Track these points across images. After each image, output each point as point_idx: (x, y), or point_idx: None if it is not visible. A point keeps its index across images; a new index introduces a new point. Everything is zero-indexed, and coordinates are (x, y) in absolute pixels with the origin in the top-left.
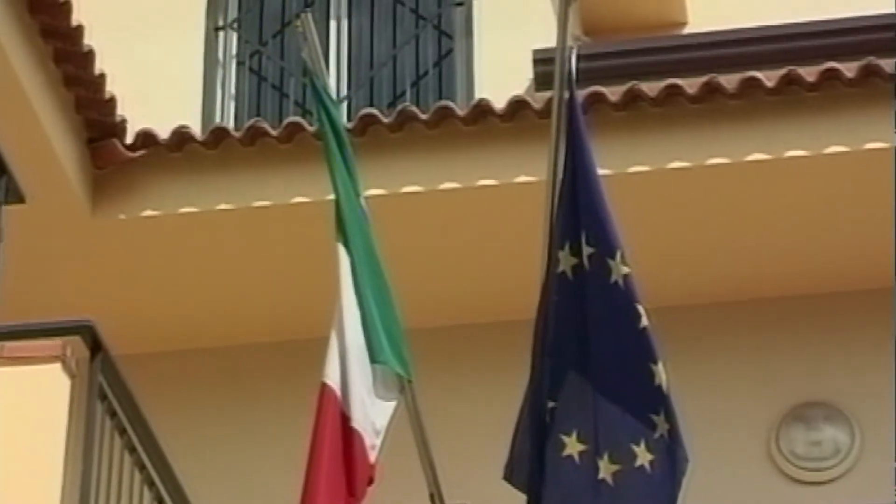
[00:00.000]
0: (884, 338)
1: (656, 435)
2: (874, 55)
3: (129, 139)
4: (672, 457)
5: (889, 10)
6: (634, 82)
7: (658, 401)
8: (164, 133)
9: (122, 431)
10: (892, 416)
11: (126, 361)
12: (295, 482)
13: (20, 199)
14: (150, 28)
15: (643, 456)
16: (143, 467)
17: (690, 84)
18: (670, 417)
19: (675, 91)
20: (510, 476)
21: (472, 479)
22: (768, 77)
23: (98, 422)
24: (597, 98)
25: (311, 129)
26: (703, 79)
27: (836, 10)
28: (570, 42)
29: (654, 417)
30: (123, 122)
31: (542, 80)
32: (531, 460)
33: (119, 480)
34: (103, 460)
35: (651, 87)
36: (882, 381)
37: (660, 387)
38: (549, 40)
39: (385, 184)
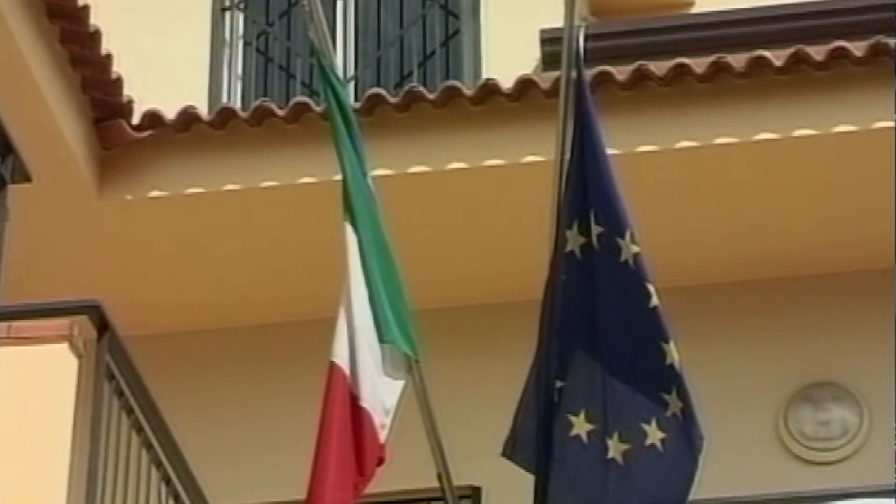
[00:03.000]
0: (892, 317)
1: (668, 413)
2: (882, 34)
3: (135, 119)
4: (687, 435)
5: None
6: (642, 62)
7: (670, 379)
8: (170, 113)
9: (130, 411)
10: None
11: (134, 342)
12: (304, 461)
13: (27, 179)
14: (157, 8)
15: (654, 434)
16: (150, 447)
17: (698, 63)
18: (683, 396)
19: (682, 70)
20: (511, 453)
21: (479, 460)
22: (776, 56)
23: (105, 402)
24: (604, 77)
25: (318, 109)
26: (711, 58)
27: None
28: (577, 22)
29: (666, 396)
30: (130, 102)
31: (549, 59)
32: (538, 440)
33: (127, 460)
34: (111, 440)
35: (659, 67)
36: (890, 361)
37: (672, 365)
38: (556, 20)
39: (392, 164)
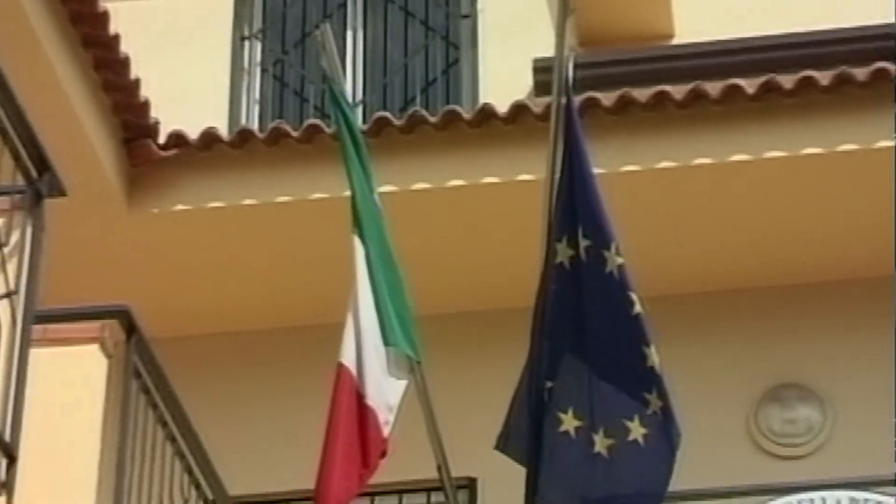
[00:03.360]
0: (853, 324)
1: (649, 412)
2: (847, 65)
3: (161, 139)
4: (666, 432)
5: (859, 23)
6: (626, 89)
7: (651, 380)
8: (193, 134)
9: (155, 407)
10: (861, 395)
11: (159, 343)
12: (313, 454)
13: (62, 194)
14: (182, 37)
15: (636, 430)
16: (174, 440)
17: (678, 91)
18: (663, 395)
19: (663, 97)
20: (504, 447)
21: (475, 453)
22: (749, 84)
23: (133, 398)
24: (592, 103)
25: (329, 130)
26: (689, 86)
27: (812, 23)
28: (567, 52)
29: (647, 395)
30: (157, 123)
31: (541, 86)
32: (530, 436)
33: (152, 452)
34: (137, 433)
35: (641, 94)
36: (851, 363)
37: (652, 367)
38: (547, 50)
39: (397, 181)
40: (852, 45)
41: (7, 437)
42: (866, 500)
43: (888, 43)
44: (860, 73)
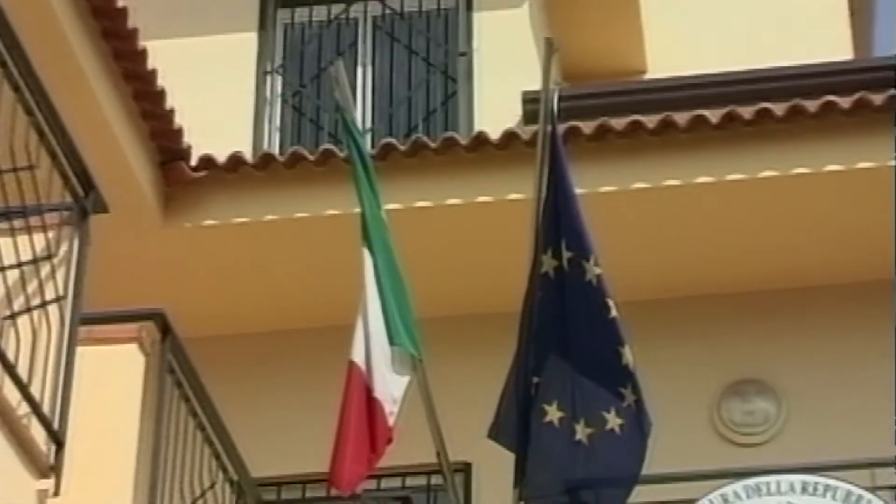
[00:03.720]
0: (806, 326)
1: (624, 404)
2: (800, 97)
3: (193, 162)
4: (639, 422)
5: (811, 60)
6: (604, 118)
7: (625, 377)
8: (221, 157)
9: (187, 399)
10: (813, 391)
11: (191, 343)
12: (327, 440)
13: (104, 210)
14: (211, 72)
15: (613, 421)
16: (203, 428)
17: (650, 120)
18: (636, 390)
19: (637, 126)
20: (495, 436)
21: (471, 441)
22: (713, 115)
23: (167, 392)
24: (574, 131)
25: (341, 154)
26: (660, 116)
27: (768, 60)
28: (552, 86)
29: (622, 390)
30: (188, 148)
31: (529, 116)
32: (518, 426)
33: (184, 439)
34: (171, 423)
35: (618, 123)
36: (804, 361)
37: (627, 365)
38: (535, 84)
39: (401, 200)
40: (805, 80)
41: (56, 425)
42: (816, 482)
43: (838, 78)
44: (811, 104)
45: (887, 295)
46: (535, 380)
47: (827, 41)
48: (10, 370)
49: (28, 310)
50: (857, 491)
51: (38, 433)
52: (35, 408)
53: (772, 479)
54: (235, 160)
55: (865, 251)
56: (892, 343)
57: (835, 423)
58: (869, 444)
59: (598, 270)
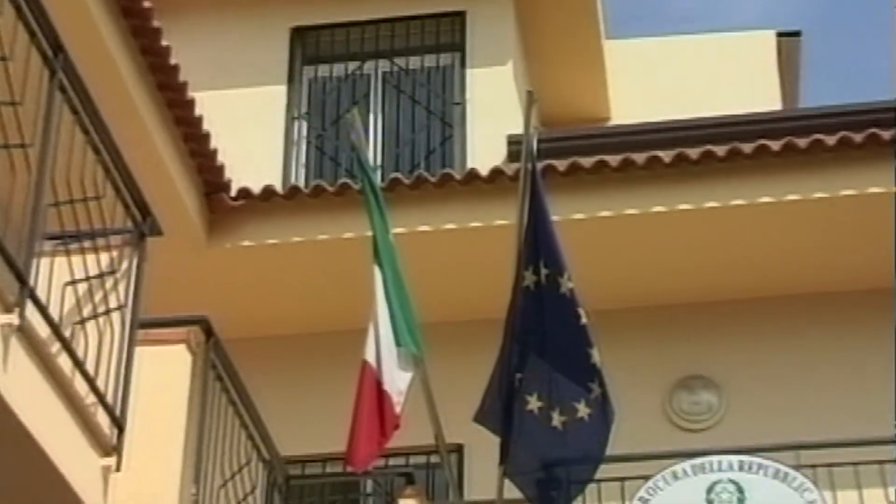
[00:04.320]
0: (743, 331)
1: (592, 396)
2: (738, 141)
3: (232, 193)
4: (604, 412)
5: (748, 110)
6: (575, 158)
7: (593, 373)
8: (256, 189)
9: (227, 391)
10: (749, 386)
11: (230, 343)
12: (344, 426)
13: (159, 233)
14: (248, 117)
15: (583, 410)
16: (240, 415)
17: (613, 159)
18: (602, 385)
19: (602, 164)
20: (481, 420)
21: (463, 426)
22: (666, 155)
23: (210, 384)
24: (549, 168)
25: (356, 187)
26: (621, 156)
27: (713, 109)
28: (532, 130)
29: (591, 384)
30: (229, 181)
31: (513, 155)
32: (502, 413)
33: (224, 424)
34: (213, 410)
35: (586, 161)
36: (741, 361)
37: (594, 364)
38: (518, 129)
39: (406, 224)
40: (742, 126)
41: (117, 412)
42: (751, 461)
43: (769, 125)
44: (747, 147)
45: (810, 307)
46: (518, 375)
47: (761, 93)
48: (80, 366)
49: (95, 316)
50: (784, 469)
51: (102, 419)
52: (100, 398)
53: (714, 458)
54: (268, 192)
55: (791, 270)
56: (837, 348)
57: (766, 413)
58: (794, 431)
59: (570, 284)
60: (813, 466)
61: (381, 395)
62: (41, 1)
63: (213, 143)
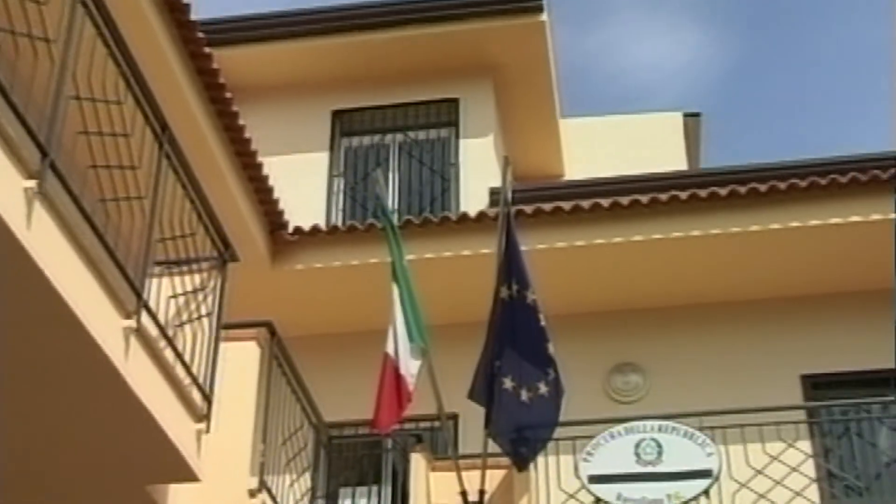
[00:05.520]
0: (663, 329)
1: (549, 378)
2: (657, 192)
3: (289, 230)
4: (558, 390)
5: (662, 170)
6: (538, 204)
7: (550, 361)
8: (307, 227)
9: (285, 375)
10: (666, 369)
11: (289, 340)
12: (371, 400)
13: (236, 260)
14: (301, 174)
15: (543, 389)
16: (295, 392)
17: (566, 205)
18: (556, 370)
19: (558, 209)
20: (471, 396)
21: (458, 401)
22: (605, 202)
23: (273, 371)
24: (520, 212)
25: (379, 226)
26: (572, 203)
27: (638, 169)
28: (507, 184)
29: (548, 370)
30: (287, 222)
31: (494, 202)
32: (486, 391)
33: (283, 399)
34: (275, 389)
35: (547, 207)
36: (660, 351)
37: (551, 355)
38: (497, 183)
39: (416, 252)
40: (658, 181)
41: (207, 390)
42: (667, 425)
43: (679, 181)
44: (664, 196)
45: (708, 313)
46: (497, 363)
47: (672, 157)
48: (180, 357)
49: (190, 320)
50: (691, 430)
51: (196, 395)
52: (194, 379)
53: (640, 423)
54: (315, 229)
55: (691, 287)
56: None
57: (678, 390)
58: (698, 403)
59: (534, 297)
60: (712, 428)
61: (398, 378)
62: (151, 91)
63: (276, 194)
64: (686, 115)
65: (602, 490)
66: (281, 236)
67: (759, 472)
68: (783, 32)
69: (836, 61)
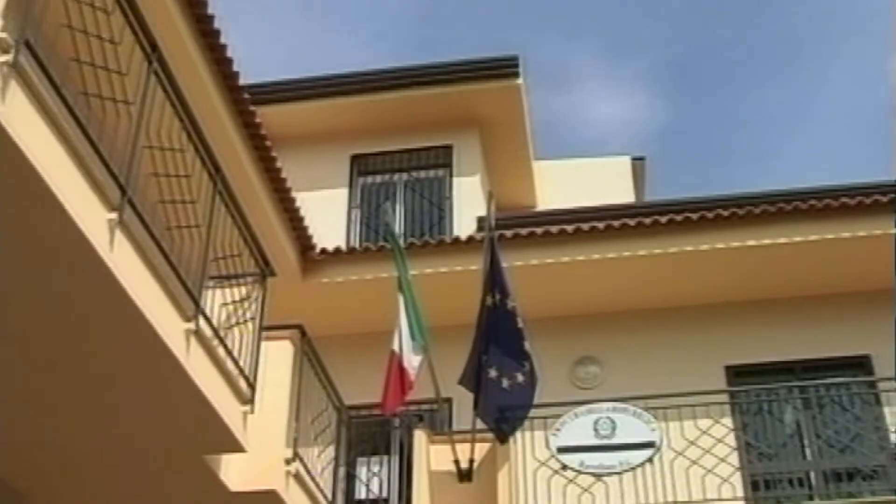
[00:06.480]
0: (616, 332)
1: (525, 369)
2: (610, 219)
3: (317, 251)
4: (532, 379)
5: (614, 202)
6: (516, 229)
7: (526, 355)
8: (330, 248)
9: (314, 367)
10: (611, 363)
11: (317, 340)
12: (380, 388)
13: (274, 275)
14: (326, 207)
15: (521, 378)
16: (321, 382)
17: (539, 230)
18: (531, 362)
19: (532, 233)
20: (462, 383)
21: (452, 387)
22: (569, 227)
23: (304, 365)
24: (502, 236)
25: (388, 247)
26: (544, 228)
27: (596, 201)
28: (491, 213)
29: (525, 362)
30: (315, 244)
31: (481, 227)
32: (475, 380)
33: (312, 387)
34: (305, 380)
35: (523, 231)
36: (615, 347)
37: (527, 350)
38: (483, 212)
39: (418, 268)
40: (611, 212)
41: (251, 379)
42: (619, 406)
43: (628, 211)
44: (617, 223)
45: (653, 317)
46: (484, 357)
47: (623, 192)
48: (230, 353)
49: (238, 323)
50: (639, 410)
51: (242, 383)
52: (241, 371)
53: (598, 405)
54: (337, 250)
55: (638, 296)
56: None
57: (629, 379)
58: (644, 388)
59: (513, 304)
60: (655, 409)
61: (402, 370)
62: (207, 141)
63: (306, 222)
64: (634, 159)
65: (568, 458)
66: (310, 256)
67: (692, 443)
68: (712, 95)
69: (753, 118)
